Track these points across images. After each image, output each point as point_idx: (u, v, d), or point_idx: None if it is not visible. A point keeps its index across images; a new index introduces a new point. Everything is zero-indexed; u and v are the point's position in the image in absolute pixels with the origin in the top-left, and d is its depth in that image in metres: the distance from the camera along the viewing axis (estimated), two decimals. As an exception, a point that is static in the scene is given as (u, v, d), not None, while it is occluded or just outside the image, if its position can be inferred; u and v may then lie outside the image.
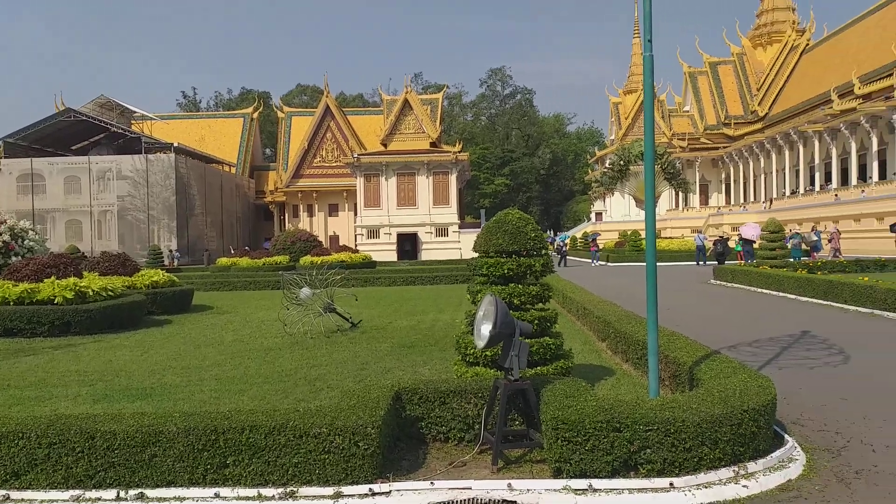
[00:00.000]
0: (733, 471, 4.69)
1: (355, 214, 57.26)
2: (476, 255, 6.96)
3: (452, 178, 53.91)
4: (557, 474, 4.65)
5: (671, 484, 4.49)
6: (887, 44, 44.68)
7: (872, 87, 44.10)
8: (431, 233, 53.91)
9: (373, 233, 54.23)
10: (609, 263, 38.61)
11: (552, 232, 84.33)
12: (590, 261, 40.39)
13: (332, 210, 65.49)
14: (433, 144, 55.44)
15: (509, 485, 4.54)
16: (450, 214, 53.89)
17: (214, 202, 58.16)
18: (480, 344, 5.19)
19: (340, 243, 52.91)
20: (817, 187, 50.05)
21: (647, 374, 6.15)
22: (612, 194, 63.09)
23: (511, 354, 5.12)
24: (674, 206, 65.74)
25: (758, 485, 4.60)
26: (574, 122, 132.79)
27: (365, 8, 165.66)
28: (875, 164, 43.10)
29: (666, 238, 47.70)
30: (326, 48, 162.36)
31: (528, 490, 4.50)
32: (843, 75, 48.76)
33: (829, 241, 31.27)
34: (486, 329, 5.09)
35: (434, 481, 4.65)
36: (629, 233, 43.83)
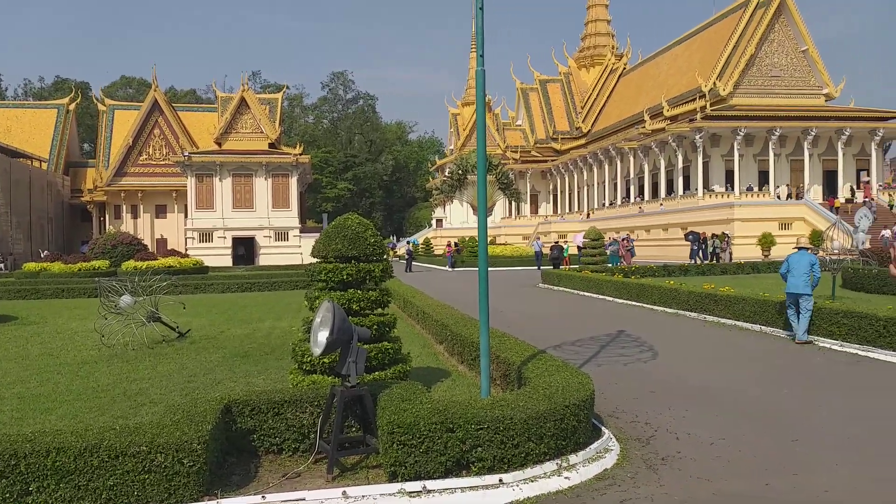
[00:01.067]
0: (557, 464, 4.99)
1: (186, 217, 54.04)
2: (316, 260, 6.85)
3: (293, 181, 52.61)
4: (393, 478, 4.69)
5: (500, 480, 4.69)
6: (692, 71, 50.13)
7: (679, 110, 49.26)
8: (270, 237, 52.22)
9: (205, 236, 51.47)
10: (448, 268, 39.66)
11: (395, 237, 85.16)
12: (445, 267, 41.25)
13: (160, 212, 61.24)
14: (272, 145, 53.77)
15: (344, 492, 4.50)
16: (290, 218, 52.52)
17: (21, 201, 52.10)
18: (317, 351, 5.11)
19: (169, 247, 49.67)
20: (632, 199, 54.88)
21: (480, 375, 6.38)
22: (452, 202, 65.00)
23: (348, 361, 5.08)
24: (507, 215, 68.95)
25: (578, 476, 4.93)
26: (416, 130, 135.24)
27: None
28: (680, 180, 48.07)
29: (500, 244, 49.98)
30: (155, 38, 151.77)
31: (363, 496, 4.49)
32: (654, 98, 53.94)
33: (625, 247, 34.64)
34: (322, 336, 5.02)
35: (266, 495, 4.50)
36: (467, 239, 45.34)
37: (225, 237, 51.51)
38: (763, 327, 12.04)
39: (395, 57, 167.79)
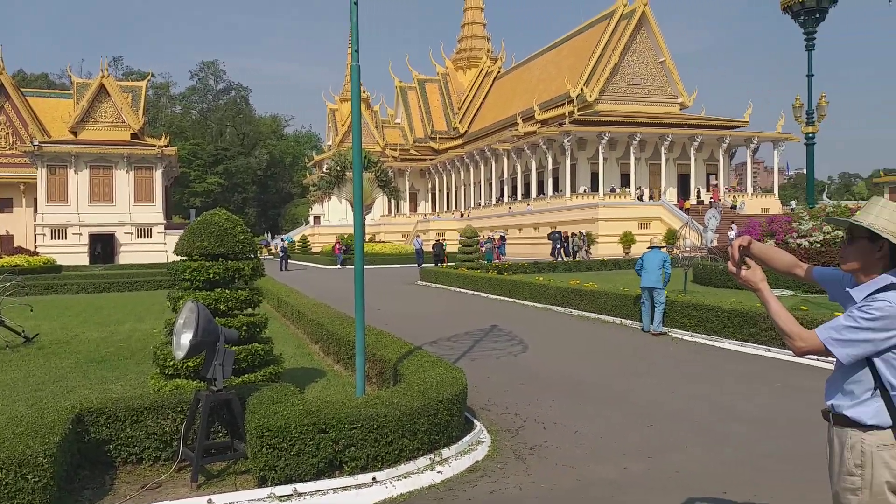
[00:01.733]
0: (430, 459, 5.05)
1: (35, 211, 49.62)
2: (180, 258, 6.50)
3: (157, 174, 49.69)
4: (262, 483, 4.54)
5: (374, 478, 4.68)
6: (562, 77, 52.49)
7: (549, 114, 51.43)
8: (132, 233, 49.04)
9: (58, 233, 47.51)
10: (338, 266, 39.03)
11: (269, 234, 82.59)
12: (324, 265, 40.44)
13: (5, 205, 55.81)
14: (135, 136, 50.52)
15: (209, 500, 4.31)
16: (154, 213, 49.59)
17: None
18: (180, 354, 4.86)
19: (15, 244, 45.37)
20: (505, 199, 56.64)
21: (356, 374, 6.33)
22: (330, 199, 63.99)
23: (214, 364, 4.87)
24: (387, 212, 68.94)
25: (451, 469, 5.02)
26: (292, 124, 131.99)
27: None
28: (550, 181, 50.24)
29: (380, 242, 49.88)
30: (2, 16, 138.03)
31: (230, 503, 4.32)
32: (527, 101, 55.96)
33: (497, 247, 36.04)
34: (185, 338, 4.78)
35: (123, 508, 4.22)
36: (346, 236, 44.83)
37: (80, 234, 47.83)
38: (623, 320, 12.82)
39: (271, 48, 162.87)
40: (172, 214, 60.45)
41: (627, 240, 39.38)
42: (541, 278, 18.40)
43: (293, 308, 12.70)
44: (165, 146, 50.34)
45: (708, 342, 10.49)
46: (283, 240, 51.49)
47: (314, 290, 18.44)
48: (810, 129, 22.08)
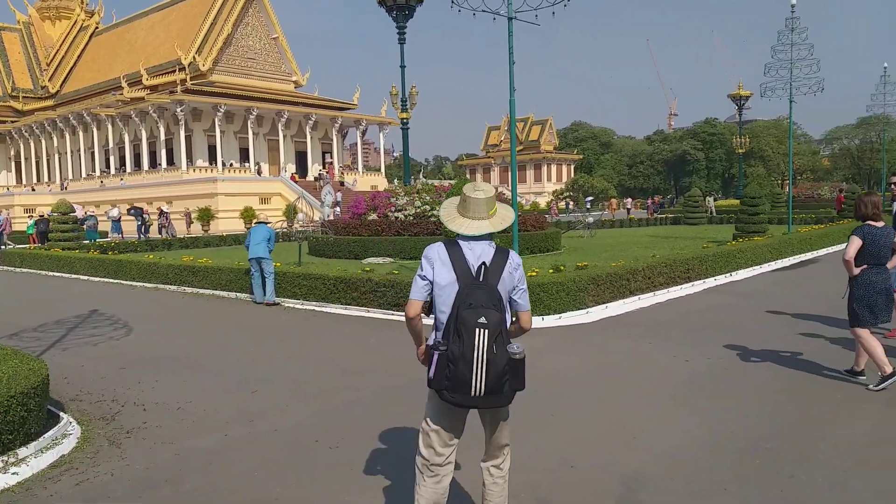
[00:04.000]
0: (3, 461, 4.48)
1: None
2: None
3: None
4: None
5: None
6: (172, 42, 49.11)
7: (159, 80, 47.76)
8: None
9: None
10: None
11: None
12: None
13: None
14: None
15: None
16: None
17: None
18: None
19: None
20: (112, 170, 51.13)
21: None
22: None
23: None
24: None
25: (29, 468, 4.52)
26: None
27: None
28: (164, 152, 46.89)
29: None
30: None
31: None
32: (132, 64, 51.04)
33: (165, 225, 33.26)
34: None
35: None
36: None
37: None
38: (238, 294, 12.89)
39: None
40: None
41: (249, 215, 39.23)
42: (151, 256, 17.27)
43: None
44: None
45: (318, 308, 11.22)
46: None
47: None
48: (404, 115, 24.82)
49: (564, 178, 77.25)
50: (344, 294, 11.03)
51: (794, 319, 9.03)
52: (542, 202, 63.57)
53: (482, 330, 2.86)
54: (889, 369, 5.79)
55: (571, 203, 62.78)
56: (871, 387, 5.85)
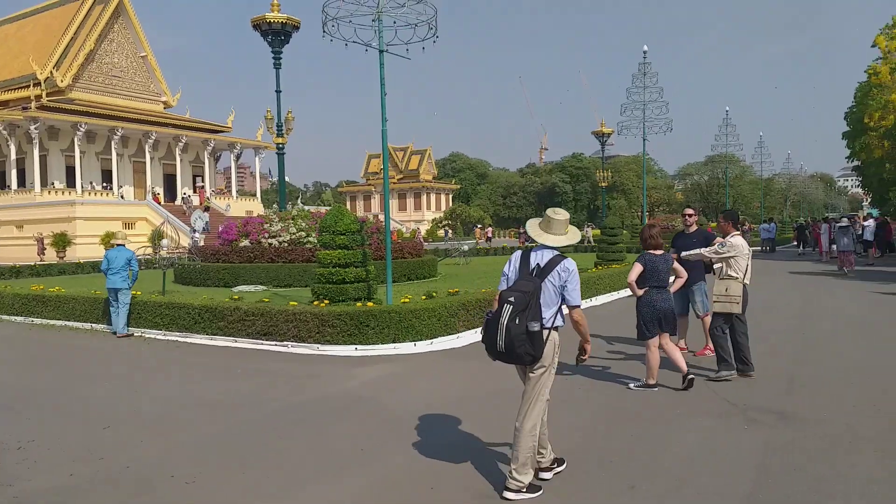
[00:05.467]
0: None
1: None
2: None
3: None
4: None
5: None
6: (26, 56, 45.60)
7: (10, 96, 44.20)
8: None
9: None
10: None
11: None
12: None
13: None
14: None
15: None
16: None
17: None
18: None
19: None
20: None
21: None
22: None
23: None
24: None
25: None
26: None
27: None
28: (14, 172, 43.13)
29: None
30: None
31: None
32: (-21, 77, 46.90)
33: None
34: None
35: None
36: None
37: None
38: (94, 325, 12.12)
39: None
40: None
41: (111, 240, 36.87)
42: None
43: None
44: None
45: (180, 339, 10.76)
46: None
47: None
48: (280, 139, 24.52)
49: (443, 207, 78.81)
50: (210, 323, 10.66)
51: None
52: (423, 230, 64.47)
53: (508, 305, 4.03)
54: (652, 381, 6.89)
55: (450, 231, 64.11)
56: (630, 385, 6.99)
